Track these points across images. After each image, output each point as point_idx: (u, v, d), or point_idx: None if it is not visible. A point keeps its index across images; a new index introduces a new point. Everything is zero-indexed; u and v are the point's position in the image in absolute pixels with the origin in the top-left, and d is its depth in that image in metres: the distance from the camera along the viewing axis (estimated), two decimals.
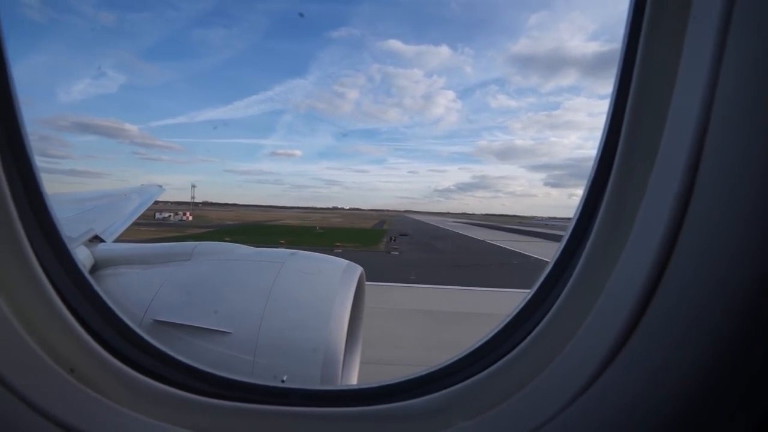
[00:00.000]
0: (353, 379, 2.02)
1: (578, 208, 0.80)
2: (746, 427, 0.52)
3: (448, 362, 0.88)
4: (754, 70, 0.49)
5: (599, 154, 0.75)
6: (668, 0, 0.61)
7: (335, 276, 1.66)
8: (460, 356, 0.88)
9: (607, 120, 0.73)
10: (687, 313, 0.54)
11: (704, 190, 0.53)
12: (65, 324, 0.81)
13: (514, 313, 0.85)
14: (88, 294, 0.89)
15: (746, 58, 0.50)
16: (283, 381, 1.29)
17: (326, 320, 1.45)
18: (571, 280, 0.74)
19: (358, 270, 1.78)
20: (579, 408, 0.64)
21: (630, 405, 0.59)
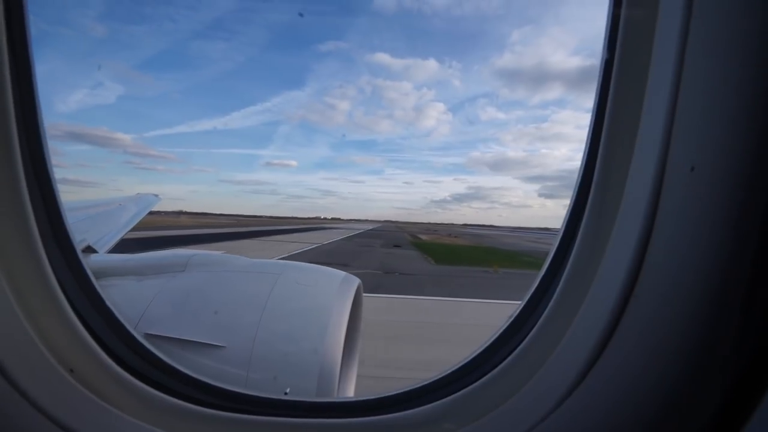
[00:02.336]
0: (350, 391, 1.99)
1: (564, 222, 0.82)
2: (721, 421, 0.55)
3: (444, 374, 0.91)
4: (717, 72, 0.52)
5: (582, 168, 0.78)
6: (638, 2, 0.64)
7: (332, 288, 1.64)
8: (455, 368, 0.91)
9: (588, 134, 0.76)
10: (659, 322, 0.57)
11: (672, 196, 0.56)
12: (70, 327, 0.84)
13: (504, 326, 0.89)
14: (94, 300, 0.93)
15: (709, 61, 0.53)
16: (285, 393, 1.29)
17: (323, 333, 1.44)
18: (554, 296, 0.77)
19: (356, 282, 1.77)
20: (564, 412, 0.67)
21: (610, 409, 0.62)
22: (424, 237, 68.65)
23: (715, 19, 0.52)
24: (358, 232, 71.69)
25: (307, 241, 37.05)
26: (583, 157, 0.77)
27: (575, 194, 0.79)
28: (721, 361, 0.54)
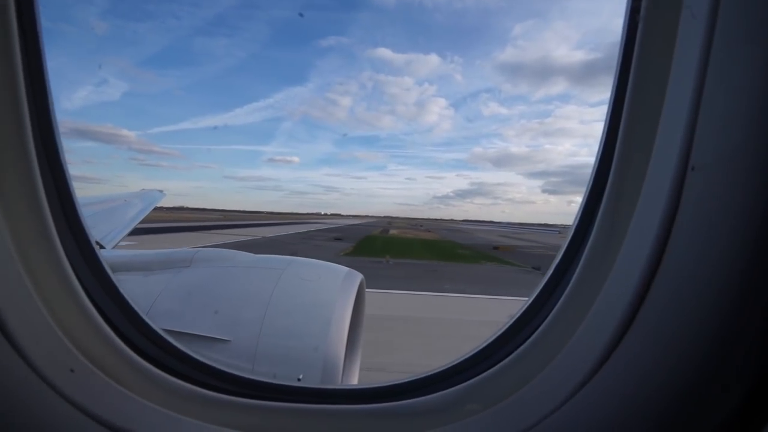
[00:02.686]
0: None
1: (577, 215, 0.82)
2: (731, 419, 0.54)
3: (453, 363, 0.92)
4: (741, 69, 0.50)
5: (597, 163, 0.77)
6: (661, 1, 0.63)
7: (335, 283, 1.66)
8: (465, 357, 0.91)
9: (604, 129, 0.75)
10: (674, 319, 0.56)
11: (692, 193, 0.55)
12: (87, 315, 0.86)
13: (516, 317, 0.89)
14: (109, 290, 0.96)
15: (733, 58, 0.51)
16: (299, 379, 1.34)
17: (326, 328, 1.45)
18: (569, 286, 0.77)
19: (359, 277, 1.78)
20: (576, 404, 0.67)
21: (625, 402, 0.62)
22: (393, 231, 70.76)
23: (744, 12, 0.51)
24: (330, 226, 73.39)
25: (253, 235, 39.68)
26: (598, 152, 0.76)
27: (589, 190, 0.78)
28: (740, 360, 0.52)
